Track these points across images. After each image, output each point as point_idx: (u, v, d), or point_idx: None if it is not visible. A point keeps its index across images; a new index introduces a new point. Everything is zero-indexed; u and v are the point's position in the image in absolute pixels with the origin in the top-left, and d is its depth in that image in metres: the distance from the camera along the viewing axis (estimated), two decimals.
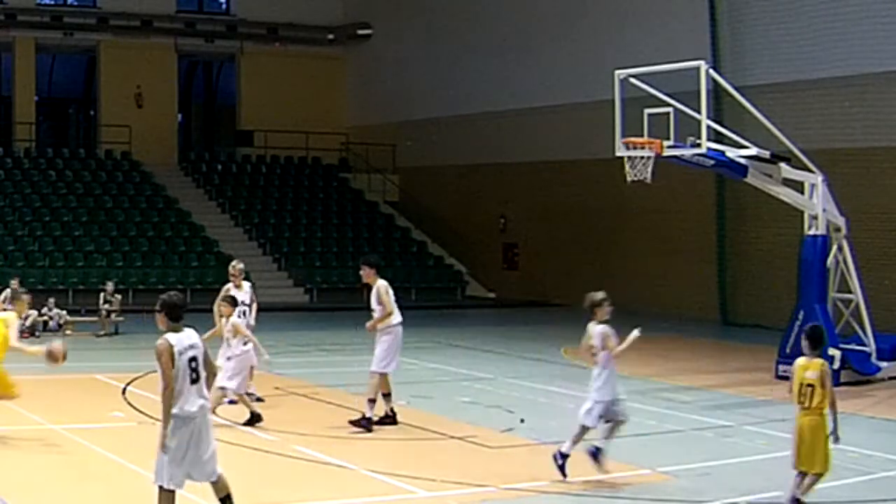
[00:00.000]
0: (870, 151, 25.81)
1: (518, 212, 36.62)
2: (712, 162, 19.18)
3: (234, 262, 16.80)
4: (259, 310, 16.65)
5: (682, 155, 18.74)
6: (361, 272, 15.11)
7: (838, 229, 19.86)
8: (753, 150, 19.34)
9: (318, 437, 13.39)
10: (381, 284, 14.80)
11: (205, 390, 9.20)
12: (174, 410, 9.05)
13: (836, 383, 18.67)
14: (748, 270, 28.66)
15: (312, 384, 17.54)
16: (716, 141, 19.51)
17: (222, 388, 14.15)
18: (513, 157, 36.44)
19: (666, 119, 18.60)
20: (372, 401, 14.18)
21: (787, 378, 18.88)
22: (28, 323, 24.83)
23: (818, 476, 10.45)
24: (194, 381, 9.10)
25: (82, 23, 40.08)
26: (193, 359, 9.08)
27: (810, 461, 10.42)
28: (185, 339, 9.11)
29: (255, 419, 14.12)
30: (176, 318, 9.20)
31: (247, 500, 9.86)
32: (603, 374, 11.71)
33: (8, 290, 15.77)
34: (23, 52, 39.86)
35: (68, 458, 12.52)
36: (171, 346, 8.99)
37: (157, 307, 9.27)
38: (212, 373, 9.47)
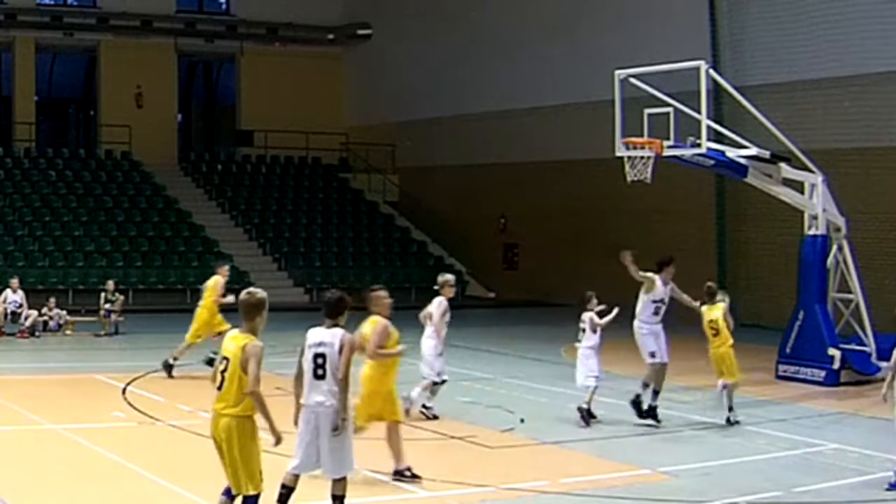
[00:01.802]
0: (870, 151, 25.79)
1: (518, 212, 36.61)
2: (712, 162, 19.19)
3: (449, 276, 16.38)
4: None
5: (682, 155, 18.74)
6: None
7: (838, 229, 19.86)
8: (753, 150, 19.35)
9: None
10: None
11: (332, 388, 9.42)
12: (301, 399, 9.50)
13: (836, 383, 18.83)
14: (748, 270, 28.66)
15: None
16: (716, 141, 19.52)
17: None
18: (513, 157, 36.43)
19: (666, 119, 18.60)
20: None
21: (787, 378, 19.01)
22: (28, 323, 24.87)
23: None
24: (319, 376, 9.45)
25: (82, 23, 40.05)
26: (320, 355, 9.46)
27: None
28: (320, 335, 9.54)
29: None
30: (326, 314, 9.64)
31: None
32: None
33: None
34: (23, 52, 39.84)
35: (68, 458, 12.52)
36: (304, 340, 9.60)
37: None
38: (343, 375, 9.50)
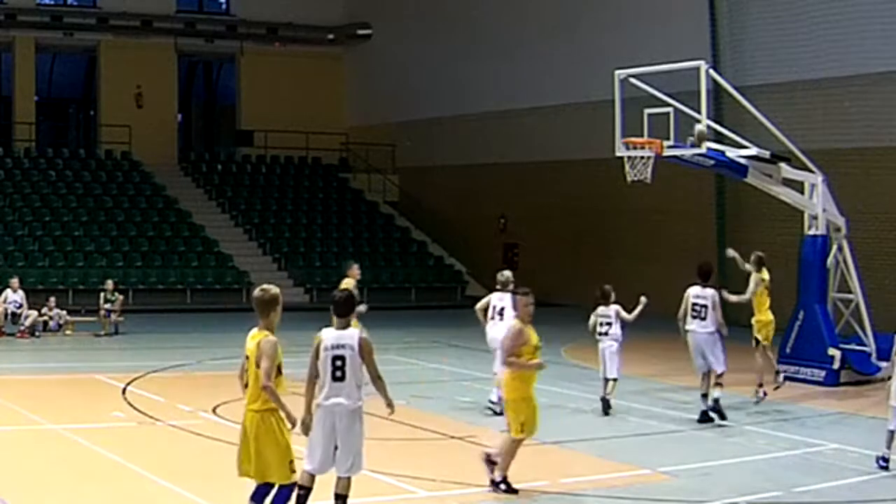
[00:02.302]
0: (870, 151, 25.78)
1: (518, 212, 36.61)
2: (712, 162, 19.19)
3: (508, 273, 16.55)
4: None
5: (682, 155, 18.75)
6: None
7: (838, 229, 19.86)
8: (753, 150, 19.36)
9: None
10: None
11: (352, 391, 9.40)
12: (317, 400, 9.40)
13: (836, 383, 18.83)
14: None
15: None
16: (716, 141, 19.52)
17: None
18: (513, 157, 36.43)
19: (666, 119, 18.61)
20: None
21: (787, 378, 19.01)
22: (28, 323, 24.87)
23: None
24: (337, 378, 9.38)
25: (82, 23, 40.06)
26: (339, 357, 9.38)
27: None
28: (337, 337, 9.45)
29: None
30: (338, 314, 9.54)
31: (246, 499, 9.86)
32: None
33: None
34: (23, 52, 39.85)
35: (68, 458, 12.52)
36: (319, 341, 9.45)
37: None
38: (375, 376, 9.56)
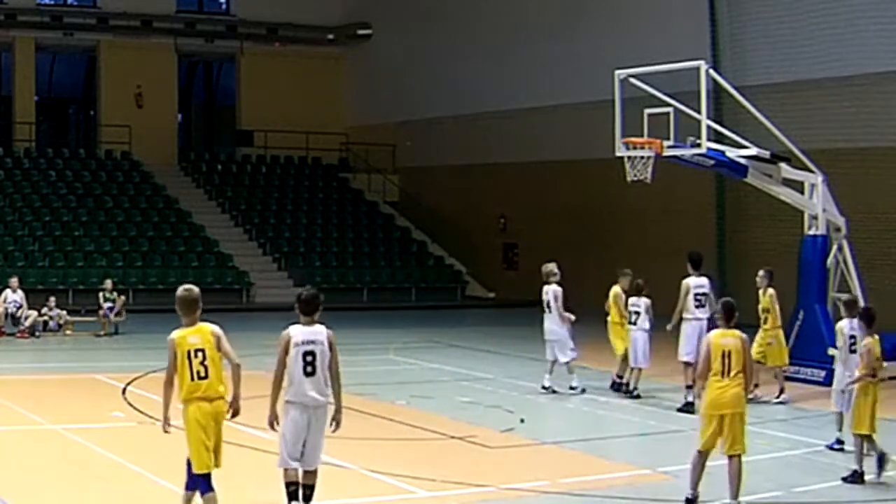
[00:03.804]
0: (870, 151, 25.77)
1: (518, 212, 36.60)
2: (712, 162, 19.20)
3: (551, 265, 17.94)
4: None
5: (682, 155, 18.76)
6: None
7: (838, 229, 19.86)
8: (753, 150, 19.35)
9: None
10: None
11: (323, 385, 9.60)
12: (287, 397, 9.58)
13: None
14: (748, 271, 28.61)
15: None
16: (716, 141, 19.52)
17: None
18: (513, 157, 36.42)
19: (666, 119, 18.62)
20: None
21: (787, 378, 19.01)
22: (28, 323, 24.86)
23: None
24: (309, 373, 9.58)
25: (82, 23, 40.06)
26: (310, 353, 9.59)
27: None
28: (309, 333, 9.68)
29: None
30: (305, 312, 9.76)
31: (245, 499, 9.88)
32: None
33: None
34: (23, 52, 39.84)
35: (68, 458, 12.52)
36: (288, 338, 9.61)
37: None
38: (336, 372, 9.73)
